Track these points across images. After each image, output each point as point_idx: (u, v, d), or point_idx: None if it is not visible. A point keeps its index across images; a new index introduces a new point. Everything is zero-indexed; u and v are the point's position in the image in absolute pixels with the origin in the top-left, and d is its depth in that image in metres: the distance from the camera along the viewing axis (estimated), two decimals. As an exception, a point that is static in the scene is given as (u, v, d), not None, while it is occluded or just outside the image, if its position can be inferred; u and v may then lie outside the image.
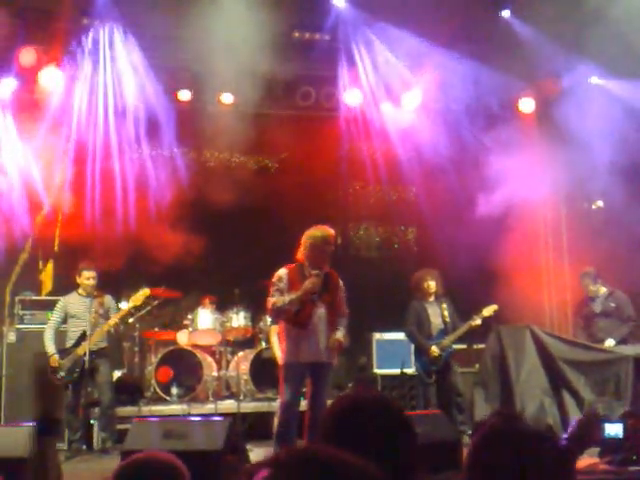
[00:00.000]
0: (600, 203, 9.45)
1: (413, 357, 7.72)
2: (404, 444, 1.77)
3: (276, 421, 5.68)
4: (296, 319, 5.49)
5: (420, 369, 7.43)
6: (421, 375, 7.41)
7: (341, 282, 5.75)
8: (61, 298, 7.07)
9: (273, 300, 5.49)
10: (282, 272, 5.58)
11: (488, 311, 7.48)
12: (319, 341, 5.48)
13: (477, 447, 1.74)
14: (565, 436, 2.79)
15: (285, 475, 1.26)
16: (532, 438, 1.67)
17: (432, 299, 7.55)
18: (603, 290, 7.91)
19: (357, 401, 1.87)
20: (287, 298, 5.43)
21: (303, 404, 7.26)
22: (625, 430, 4.81)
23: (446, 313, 7.42)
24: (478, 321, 7.42)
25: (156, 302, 7.88)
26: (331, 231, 5.61)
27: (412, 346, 7.86)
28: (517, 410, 6.78)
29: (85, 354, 6.68)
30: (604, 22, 7.40)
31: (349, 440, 1.74)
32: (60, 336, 6.95)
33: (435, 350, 7.31)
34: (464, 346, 8.02)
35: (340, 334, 5.59)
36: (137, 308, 7.39)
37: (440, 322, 7.45)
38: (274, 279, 5.58)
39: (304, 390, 5.76)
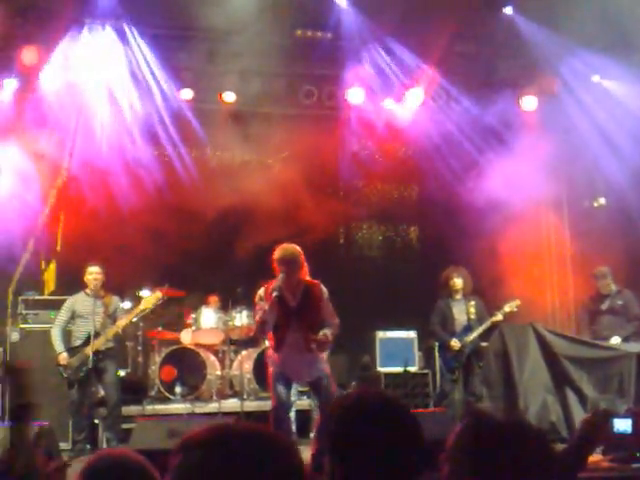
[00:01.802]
0: (602, 201, 9.44)
1: (437, 354, 7.77)
2: (408, 442, 1.77)
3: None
4: (272, 341, 5.60)
5: (442, 365, 7.47)
6: (443, 371, 7.44)
7: (325, 293, 5.62)
8: (69, 297, 7.03)
9: (256, 318, 5.61)
10: (260, 290, 5.64)
11: (510, 306, 7.48)
12: (295, 365, 5.51)
13: (454, 441, 1.75)
14: (575, 435, 2.78)
15: (193, 456, 1.31)
16: (509, 428, 1.67)
17: (459, 297, 7.55)
18: (612, 288, 7.87)
19: (360, 399, 1.87)
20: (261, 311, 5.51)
21: (305, 403, 7.33)
22: (634, 426, 4.80)
23: (472, 310, 7.40)
24: (500, 316, 7.42)
25: (160, 301, 7.85)
26: (274, 253, 5.57)
27: (416, 344, 7.87)
28: (520, 408, 6.78)
29: (93, 353, 6.68)
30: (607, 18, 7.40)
31: (353, 438, 1.74)
32: (67, 335, 6.92)
33: (455, 344, 7.31)
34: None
35: (328, 331, 5.50)
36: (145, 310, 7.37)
37: (465, 319, 7.45)
38: (256, 299, 5.66)
39: (293, 391, 5.91)
